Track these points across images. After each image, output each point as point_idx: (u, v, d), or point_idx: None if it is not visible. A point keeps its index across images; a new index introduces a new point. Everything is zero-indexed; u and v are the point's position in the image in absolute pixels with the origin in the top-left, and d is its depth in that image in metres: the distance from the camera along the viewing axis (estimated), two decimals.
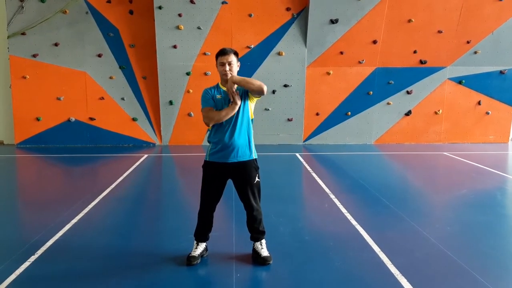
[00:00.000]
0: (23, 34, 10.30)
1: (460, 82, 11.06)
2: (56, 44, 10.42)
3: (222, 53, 3.75)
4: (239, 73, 3.89)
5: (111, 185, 6.74)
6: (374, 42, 10.52)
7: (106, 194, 6.22)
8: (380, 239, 4.45)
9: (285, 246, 4.32)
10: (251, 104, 3.86)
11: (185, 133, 10.84)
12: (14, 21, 10.26)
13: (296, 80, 10.72)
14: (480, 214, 5.41)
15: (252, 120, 3.89)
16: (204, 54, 10.41)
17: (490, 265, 3.92)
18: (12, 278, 3.59)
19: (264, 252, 3.92)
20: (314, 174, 7.58)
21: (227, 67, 3.73)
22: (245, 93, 3.79)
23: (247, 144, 3.81)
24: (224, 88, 3.80)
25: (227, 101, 3.76)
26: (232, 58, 3.74)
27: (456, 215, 5.52)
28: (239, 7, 10.28)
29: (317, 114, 11.03)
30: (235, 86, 3.69)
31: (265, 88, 3.66)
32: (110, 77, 10.65)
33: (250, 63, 10.37)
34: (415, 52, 10.68)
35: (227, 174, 3.83)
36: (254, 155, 3.88)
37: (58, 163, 9.03)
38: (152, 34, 10.36)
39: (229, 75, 3.73)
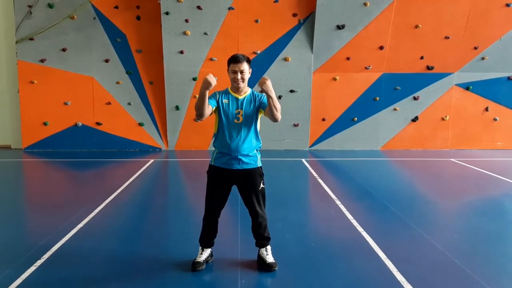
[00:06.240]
0: (31, 39, 10.38)
1: (467, 88, 11.00)
2: (63, 49, 10.49)
3: (235, 60, 3.70)
4: (250, 79, 3.88)
5: (117, 190, 6.75)
6: (381, 48, 10.50)
7: (112, 199, 6.23)
8: (386, 246, 4.42)
9: (290, 252, 4.30)
10: (260, 115, 3.86)
11: (191, 138, 10.86)
12: (23, 27, 10.35)
13: (303, 85, 10.72)
14: (488, 221, 5.36)
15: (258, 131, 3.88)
16: (211, 59, 10.44)
17: (498, 273, 3.88)
18: (18, 282, 3.59)
19: (270, 259, 3.90)
20: (320, 180, 7.55)
21: (239, 76, 3.70)
22: (259, 104, 3.78)
23: (252, 152, 3.79)
24: (233, 94, 3.80)
25: (234, 107, 3.76)
26: (245, 67, 3.70)
27: (463, 222, 5.47)
28: (245, 13, 10.31)
29: (323, 119, 11.01)
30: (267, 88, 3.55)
31: (279, 120, 3.74)
32: (117, 82, 10.70)
33: (256, 69, 10.36)
34: (422, 58, 10.64)
35: (232, 180, 3.82)
36: (259, 163, 3.87)
37: (65, 168, 9.06)
38: (159, 39, 10.41)
39: (241, 84, 3.72)
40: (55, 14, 10.32)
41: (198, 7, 10.17)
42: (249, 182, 3.79)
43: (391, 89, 10.93)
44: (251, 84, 3.95)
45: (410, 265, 3.99)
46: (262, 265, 3.90)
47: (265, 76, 3.58)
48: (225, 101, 3.79)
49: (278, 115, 3.67)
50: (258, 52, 10.49)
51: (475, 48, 10.61)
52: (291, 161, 9.52)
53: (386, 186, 7.19)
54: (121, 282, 3.66)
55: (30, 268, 3.86)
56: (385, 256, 4.17)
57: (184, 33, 10.30)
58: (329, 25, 10.25)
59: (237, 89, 3.79)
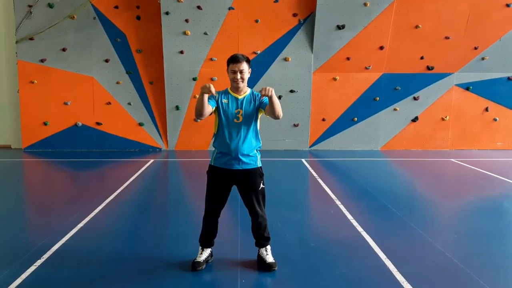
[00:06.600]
0: (31, 39, 10.38)
1: (467, 88, 11.01)
2: (63, 49, 10.49)
3: (234, 60, 3.71)
4: (250, 79, 3.88)
5: (117, 190, 6.75)
6: (381, 48, 10.50)
7: (112, 199, 6.23)
8: (386, 247, 4.41)
9: (290, 252, 4.30)
10: (260, 115, 3.86)
11: (191, 138, 10.85)
12: (23, 26, 10.35)
13: (303, 85, 10.71)
14: (487, 221, 5.35)
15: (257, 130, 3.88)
16: (211, 59, 10.43)
17: (498, 273, 3.88)
18: (18, 282, 3.59)
19: (269, 259, 3.90)
20: (320, 180, 7.55)
21: (239, 75, 3.70)
22: (259, 104, 3.79)
23: (252, 152, 3.79)
24: (233, 94, 3.81)
25: (234, 107, 3.76)
26: (244, 67, 3.71)
27: (463, 222, 5.48)
28: (245, 13, 10.30)
29: (323, 119, 11.01)
30: (269, 92, 3.53)
31: (281, 117, 3.69)
32: (117, 82, 10.70)
33: (256, 69, 10.36)
34: (422, 58, 10.64)
35: (232, 181, 3.81)
36: (259, 163, 3.87)
37: (65, 168, 9.06)
38: (159, 39, 10.40)
39: (240, 84, 3.73)
40: (55, 14, 10.32)
41: (198, 7, 10.17)
42: (249, 182, 3.79)
43: (391, 89, 10.92)
44: (250, 84, 3.95)
45: (410, 265, 3.99)
46: (262, 265, 3.89)
47: (265, 77, 3.58)
48: (224, 101, 3.79)
49: (280, 112, 3.66)
50: (258, 52, 10.49)
51: (475, 48, 10.60)
52: (291, 161, 9.52)
53: (386, 186, 7.19)
54: (121, 282, 3.66)
55: (30, 268, 3.86)
56: (385, 256, 4.17)
57: (184, 33, 10.30)
58: (329, 25, 10.25)
59: (236, 89, 3.79)
